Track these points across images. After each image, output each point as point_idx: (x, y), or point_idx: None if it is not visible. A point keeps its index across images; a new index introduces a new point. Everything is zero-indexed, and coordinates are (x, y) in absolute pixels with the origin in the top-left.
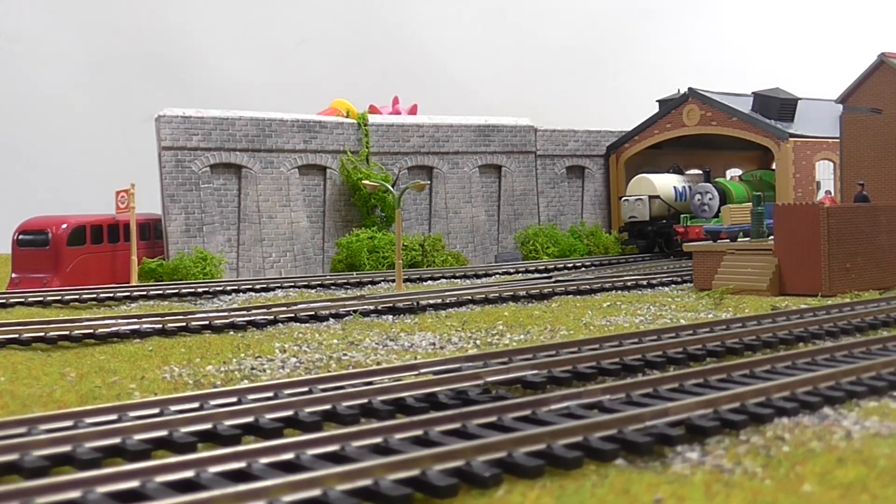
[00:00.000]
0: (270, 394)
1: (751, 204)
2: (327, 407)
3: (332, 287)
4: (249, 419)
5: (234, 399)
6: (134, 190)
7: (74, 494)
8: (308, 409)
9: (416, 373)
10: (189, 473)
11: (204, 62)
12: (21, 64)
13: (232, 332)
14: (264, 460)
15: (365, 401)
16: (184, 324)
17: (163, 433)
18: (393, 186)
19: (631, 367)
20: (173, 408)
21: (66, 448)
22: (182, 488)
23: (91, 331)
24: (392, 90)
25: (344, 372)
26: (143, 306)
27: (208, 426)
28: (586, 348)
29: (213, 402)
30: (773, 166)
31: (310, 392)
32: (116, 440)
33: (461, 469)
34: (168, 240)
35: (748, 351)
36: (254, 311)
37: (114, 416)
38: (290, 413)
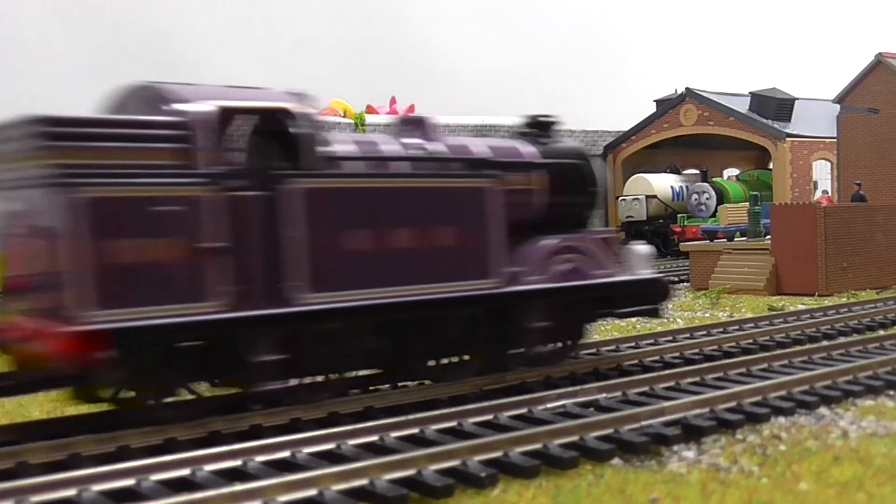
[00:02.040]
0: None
1: (748, 203)
2: None
3: None
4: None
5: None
6: None
7: (69, 493)
8: None
9: None
10: (185, 472)
11: (202, 62)
12: (20, 63)
13: None
14: (260, 459)
15: None
16: None
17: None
18: None
19: (628, 373)
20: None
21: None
22: (177, 487)
23: None
24: (389, 90)
25: None
26: None
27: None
28: (583, 352)
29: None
30: (770, 166)
31: None
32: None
33: (457, 469)
34: None
35: (745, 355)
36: None
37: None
38: None
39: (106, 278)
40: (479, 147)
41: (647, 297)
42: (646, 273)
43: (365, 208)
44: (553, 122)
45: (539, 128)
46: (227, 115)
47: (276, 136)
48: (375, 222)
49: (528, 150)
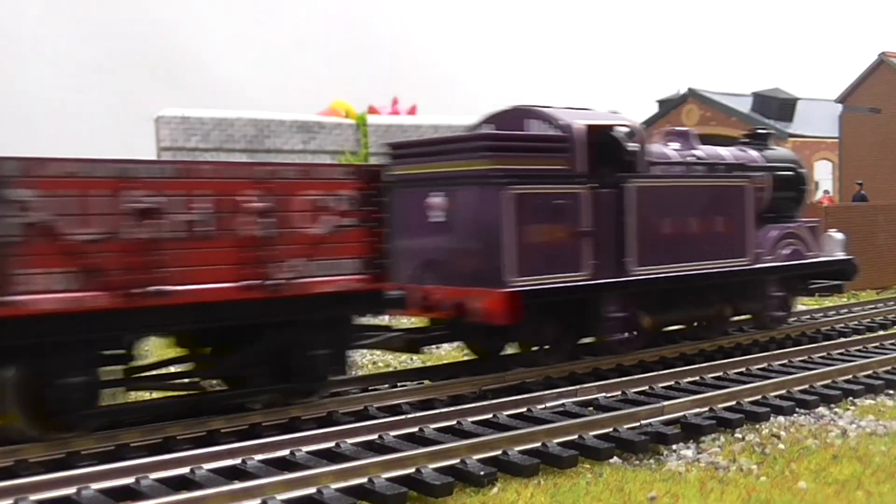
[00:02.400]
0: None
1: None
2: None
3: None
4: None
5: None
6: None
7: (69, 491)
8: None
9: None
10: (184, 470)
11: (203, 63)
12: (21, 64)
13: None
14: (259, 458)
15: None
16: None
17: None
18: None
19: (627, 372)
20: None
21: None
22: (177, 486)
23: None
24: (391, 90)
25: None
26: None
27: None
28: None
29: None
30: None
31: None
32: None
33: (456, 467)
34: None
35: (744, 354)
36: None
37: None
38: None
39: (524, 253)
40: (726, 153)
41: (840, 274)
42: (841, 255)
43: (670, 202)
44: (770, 133)
45: (758, 138)
46: (593, 130)
47: (618, 145)
48: (675, 212)
49: (756, 155)
